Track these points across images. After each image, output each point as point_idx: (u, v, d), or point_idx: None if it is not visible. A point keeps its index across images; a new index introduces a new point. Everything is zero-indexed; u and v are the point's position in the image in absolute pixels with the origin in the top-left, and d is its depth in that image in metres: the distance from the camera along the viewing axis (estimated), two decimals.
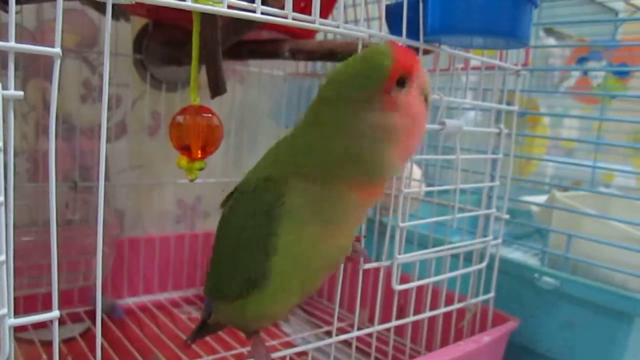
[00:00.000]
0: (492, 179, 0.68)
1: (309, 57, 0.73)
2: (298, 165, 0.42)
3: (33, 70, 0.77)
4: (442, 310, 0.65)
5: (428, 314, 0.63)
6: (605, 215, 0.76)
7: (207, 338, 0.73)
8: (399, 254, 0.55)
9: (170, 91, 0.90)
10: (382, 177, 0.43)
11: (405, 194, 0.55)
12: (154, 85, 0.89)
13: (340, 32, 0.46)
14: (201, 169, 0.52)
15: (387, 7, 0.52)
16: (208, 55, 0.53)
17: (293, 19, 0.42)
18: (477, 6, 0.48)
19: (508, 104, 0.67)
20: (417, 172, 0.83)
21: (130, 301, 0.86)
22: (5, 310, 0.30)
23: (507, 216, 0.68)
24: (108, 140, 0.86)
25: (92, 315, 0.77)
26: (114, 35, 0.81)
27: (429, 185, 0.87)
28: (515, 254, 0.93)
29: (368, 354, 0.64)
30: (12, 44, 0.29)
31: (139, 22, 0.83)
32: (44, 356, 0.65)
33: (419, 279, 0.61)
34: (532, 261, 0.85)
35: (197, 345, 0.70)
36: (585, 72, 1.27)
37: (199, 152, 0.51)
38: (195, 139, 0.50)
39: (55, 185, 0.31)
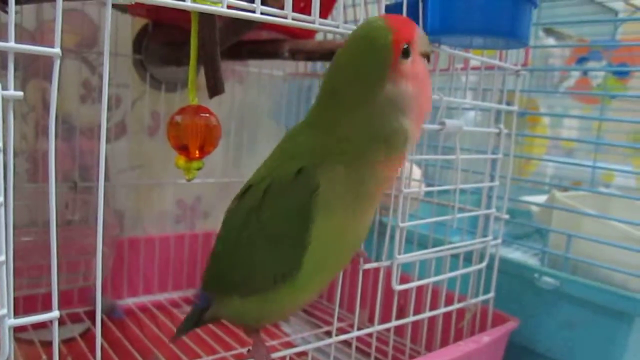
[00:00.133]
0: (492, 179, 0.68)
1: (309, 57, 0.73)
2: (327, 152, 0.43)
3: (33, 70, 0.77)
4: (442, 310, 0.65)
5: (428, 314, 0.63)
6: (605, 215, 0.76)
7: (207, 338, 0.73)
8: (399, 254, 0.55)
9: (170, 91, 0.90)
10: (403, 149, 0.43)
11: (405, 194, 0.55)
12: (154, 85, 0.89)
13: (339, 32, 0.46)
14: (199, 169, 0.52)
15: (387, 7, 0.52)
16: (206, 56, 0.53)
17: (293, 19, 0.42)
18: (476, 6, 0.48)
19: (508, 104, 0.67)
20: (417, 172, 0.83)
21: (130, 301, 0.86)
22: (5, 311, 0.30)
23: (507, 216, 0.68)
24: (108, 141, 0.86)
25: (91, 315, 0.77)
26: (114, 36, 0.81)
27: (428, 185, 0.87)
28: (515, 254, 0.93)
29: (368, 354, 0.64)
30: (11, 44, 0.29)
31: (138, 22, 0.83)
32: (44, 356, 0.65)
33: (419, 279, 0.61)
34: (532, 261, 0.85)
35: (197, 345, 0.71)
36: (585, 72, 1.27)
37: (197, 152, 0.51)
38: (193, 139, 0.50)
39: (55, 185, 0.31)
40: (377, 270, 0.56)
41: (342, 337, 0.55)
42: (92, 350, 0.64)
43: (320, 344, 0.55)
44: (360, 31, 0.42)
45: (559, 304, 0.70)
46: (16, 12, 0.29)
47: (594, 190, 0.89)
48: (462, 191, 0.63)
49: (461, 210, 0.64)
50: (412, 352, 0.71)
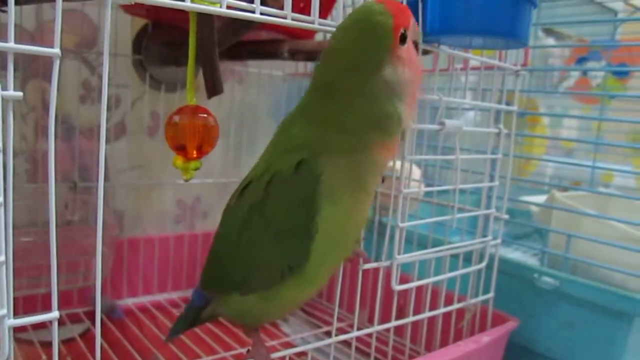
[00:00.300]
0: (492, 179, 0.68)
1: (308, 57, 0.73)
2: (324, 142, 0.43)
3: (32, 70, 0.77)
4: (442, 310, 0.65)
5: (427, 314, 0.63)
6: (605, 215, 0.76)
7: (207, 338, 0.73)
8: (399, 254, 0.55)
9: (170, 92, 0.90)
10: (397, 133, 0.44)
11: (405, 194, 0.55)
12: (153, 85, 0.89)
13: None
14: (197, 169, 0.52)
15: None
16: (204, 56, 0.53)
17: (292, 19, 0.42)
18: (476, 6, 0.48)
19: (507, 104, 0.67)
20: (416, 172, 0.83)
21: (129, 302, 0.86)
22: (4, 311, 0.30)
23: (506, 216, 0.68)
24: (107, 141, 0.86)
25: (91, 315, 0.77)
26: (113, 36, 0.81)
27: (428, 185, 0.88)
28: (515, 254, 0.93)
29: (368, 354, 0.64)
30: (11, 44, 0.29)
31: (138, 22, 0.83)
32: (44, 357, 0.64)
33: (419, 279, 0.61)
34: (532, 261, 0.85)
35: (197, 345, 0.71)
36: (584, 72, 1.27)
37: (195, 152, 0.51)
38: (191, 139, 0.50)
39: (55, 185, 0.31)
40: (376, 270, 0.56)
41: (342, 337, 0.55)
42: (92, 351, 0.64)
43: (320, 344, 0.55)
44: (359, 15, 0.42)
45: (558, 304, 0.70)
46: (15, 12, 0.29)
47: (593, 190, 0.89)
48: (462, 191, 0.63)
49: (461, 210, 0.64)
50: (412, 352, 0.71)
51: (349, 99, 0.42)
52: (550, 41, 1.18)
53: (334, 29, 0.45)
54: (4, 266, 0.30)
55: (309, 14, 0.44)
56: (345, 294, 0.87)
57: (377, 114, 0.42)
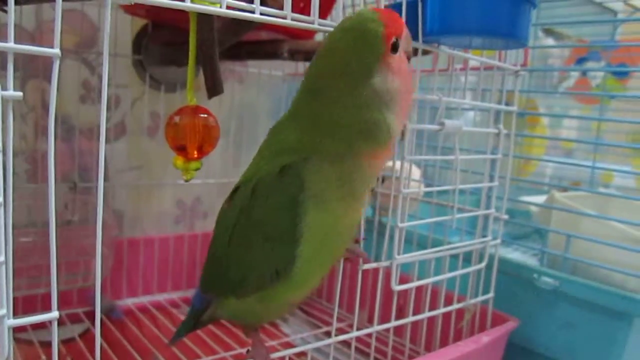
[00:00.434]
0: (491, 179, 0.68)
1: (308, 57, 0.73)
2: (312, 147, 0.43)
3: (32, 70, 0.77)
4: (442, 310, 0.65)
5: (427, 314, 0.63)
6: (604, 216, 0.76)
7: (207, 339, 0.73)
8: (398, 254, 0.55)
9: (169, 92, 0.90)
10: (389, 141, 0.43)
11: (405, 194, 0.55)
12: (153, 85, 0.89)
13: None
14: (197, 169, 0.52)
15: (386, 7, 0.52)
16: (204, 56, 0.53)
17: (292, 19, 0.42)
18: (475, 7, 0.48)
19: (507, 104, 0.67)
20: (416, 173, 0.83)
21: (129, 302, 0.86)
22: (4, 311, 0.30)
23: (506, 216, 0.68)
24: (107, 141, 0.86)
25: (91, 316, 0.77)
26: (113, 36, 0.81)
27: (428, 185, 0.88)
28: (515, 254, 0.93)
29: (367, 355, 0.64)
30: (11, 44, 0.29)
31: (138, 22, 0.83)
32: (43, 357, 0.64)
33: (418, 279, 0.61)
34: (531, 261, 0.85)
35: (197, 345, 0.71)
36: (584, 73, 1.27)
37: (195, 152, 0.51)
38: (192, 139, 0.50)
39: (54, 185, 0.31)
40: (376, 270, 0.56)
41: (342, 337, 0.55)
42: (92, 351, 0.64)
43: (320, 344, 0.55)
44: (351, 22, 0.42)
45: (558, 304, 0.70)
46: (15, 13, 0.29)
47: (593, 191, 0.89)
48: (462, 191, 0.63)
49: (460, 210, 0.64)
50: (412, 352, 0.71)
51: (338, 105, 0.41)
52: (550, 41, 1.18)
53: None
54: (4, 266, 0.30)
55: (308, 14, 0.44)
56: (345, 294, 0.87)
57: (365, 121, 0.41)
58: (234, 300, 0.49)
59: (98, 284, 0.36)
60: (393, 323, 0.59)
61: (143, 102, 0.89)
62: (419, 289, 0.61)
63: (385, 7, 0.52)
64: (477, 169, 0.74)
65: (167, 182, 0.93)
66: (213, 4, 0.38)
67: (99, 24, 0.83)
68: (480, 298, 0.68)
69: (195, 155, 0.51)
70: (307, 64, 1.03)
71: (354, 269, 0.55)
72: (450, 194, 0.61)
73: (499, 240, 0.68)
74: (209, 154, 0.52)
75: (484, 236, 0.67)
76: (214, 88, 0.55)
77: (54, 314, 0.33)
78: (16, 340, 0.67)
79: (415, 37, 0.51)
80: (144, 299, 0.87)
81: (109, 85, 0.32)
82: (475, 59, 0.62)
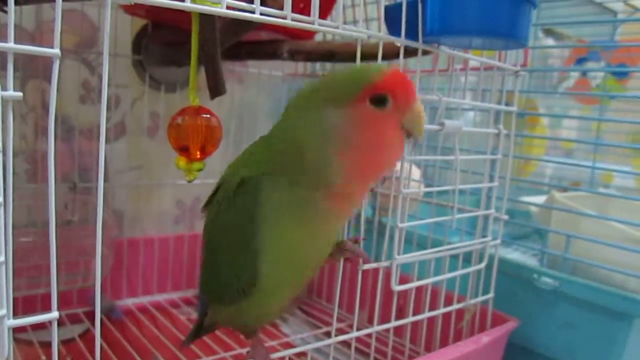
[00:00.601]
0: (491, 179, 0.68)
1: (308, 57, 0.73)
2: (274, 165, 0.42)
3: (32, 71, 0.77)
4: (442, 310, 0.65)
5: (427, 314, 0.63)
6: (604, 216, 0.76)
7: (206, 339, 0.72)
8: (398, 254, 0.55)
9: (169, 92, 0.90)
10: (336, 189, 0.41)
11: (404, 194, 0.55)
12: (153, 86, 0.89)
13: (339, 32, 0.46)
14: (200, 170, 0.52)
15: (386, 7, 0.52)
16: (207, 56, 0.53)
17: (292, 19, 0.42)
18: (475, 7, 0.48)
19: (507, 104, 0.67)
20: (416, 173, 0.83)
21: (129, 302, 0.86)
22: (4, 311, 0.30)
23: (506, 217, 0.68)
24: (107, 141, 0.86)
25: (91, 316, 0.77)
26: (113, 36, 0.81)
27: (428, 185, 0.88)
28: (515, 255, 0.93)
29: (367, 355, 0.64)
30: (11, 44, 0.29)
31: (138, 23, 0.83)
32: (43, 357, 0.64)
33: (418, 279, 0.61)
34: (531, 262, 0.85)
35: (197, 346, 0.70)
36: (584, 73, 1.27)
37: (198, 152, 0.51)
38: (194, 140, 0.50)
39: (54, 186, 0.31)
40: (376, 270, 0.56)
41: (342, 337, 0.55)
42: (92, 351, 0.64)
43: (320, 344, 0.55)
44: (363, 64, 0.42)
45: (558, 305, 0.70)
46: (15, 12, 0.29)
47: (593, 191, 0.89)
48: (462, 192, 0.63)
49: (460, 210, 0.64)
50: (412, 352, 0.71)
51: (297, 130, 0.40)
52: (550, 42, 1.18)
53: (333, 30, 0.45)
54: (4, 266, 0.30)
55: (308, 15, 0.44)
56: (344, 294, 0.87)
57: (311, 154, 0.40)
58: (222, 307, 0.50)
59: (98, 284, 0.36)
60: (393, 323, 0.59)
61: (143, 102, 0.89)
62: (419, 289, 0.61)
63: (386, 7, 0.52)
64: (477, 169, 0.74)
65: (167, 182, 0.93)
66: (213, 4, 0.38)
67: (98, 24, 0.83)
68: (480, 298, 0.68)
69: (198, 156, 0.51)
70: (307, 64, 1.04)
71: (354, 269, 0.55)
72: (450, 194, 0.61)
73: (498, 241, 0.68)
74: (211, 154, 0.52)
75: (484, 236, 0.67)
76: (216, 88, 0.55)
77: (54, 314, 0.33)
78: (16, 340, 0.67)
79: (415, 38, 0.51)
80: (144, 299, 0.87)
81: (108, 85, 0.32)
82: (475, 59, 0.62)
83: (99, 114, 0.33)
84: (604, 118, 0.91)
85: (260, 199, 0.41)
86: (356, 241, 0.53)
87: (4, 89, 0.29)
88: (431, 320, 0.66)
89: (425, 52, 0.53)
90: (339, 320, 0.84)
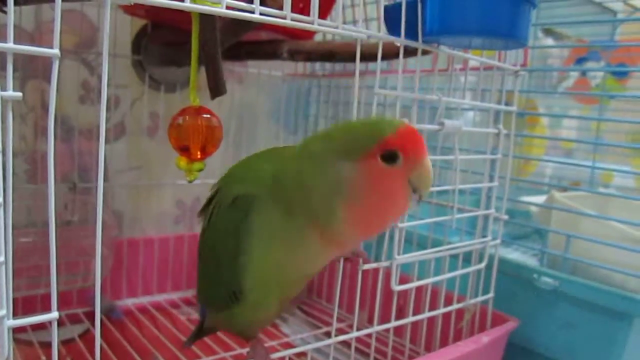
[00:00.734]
0: (491, 179, 0.68)
1: (308, 57, 0.73)
2: (270, 190, 0.43)
3: (31, 71, 0.77)
4: (442, 310, 0.65)
5: (427, 314, 0.63)
6: (604, 216, 0.76)
7: (207, 339, 0.72)
8: (398, 254, 0.55)
9: (169, 92, 0.90)
10: (338, 234, 0.41)
11: None
12: (153, 86, 0.89)
13: (339, 32, 0.46)
14: (200, 170, 0.52)
15: (386, 7, 0.52)
16: (207, 56, 0.53)
17: (292, 19, 0.42)
18: (475, 7, 0.48)
19: (507, 104, 0.67)
20: None
21: (129, 302, 0.86)
22: (4, 312, 0.30)
23: (506, 216, 0.68)
24: (107, 141, 0.86)
25: (91, 316, 0.77)
26: (113, 37, 0.81)
27: None
28: (514, 255, 0.93)
29: (367, 355, 0.64)
30: (10, 45, 0.29)
31: (137, 23, 0.83)
32: (43, 357, 0.64)
33: (418, 279, 0.61)
34: (531, 261, 0.85)
35: (197, 346, 0.70)
36: (583, 73, 1.27)
37: (199, 153, 0.51)
38: (195, 140, 0.50)
39: (54, 186, 0.31)
40: (376, 270, 0.56)
41: (342, 337, 0.55)
42: (92, 351, 0.64)
43: (320, 344, 0.55)
44: (378, 116, 0.42)
45: (558, 304, 0.70)
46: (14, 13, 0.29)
47: (593, 191, 0.89)
48: (461, 191, 0.63)
49: (460, 210, 0.64)
50: (412, 352, 0.71)
51: (306, 169, 0.41)
52: (550, 41, 1.18)
53: (333, 30, 0.45)
54: (4, 267, 0.30)
55: (308, 15, 0.44)
56: (344, 294, 0.87)
57: (317, 199, 0.40)
58: (216, 313, 0.51)
59: (98, 285, 0.36)
60: (393, 323, 0.59)
61: (142, 103, 0.89)
62: (418, 289, 0.61)
63: (385, 7, 0.52)
64: (477, 169, 0.74)
65: (167, 182, 0.93)
66: (213, 4, 0.38)
67: (98, 25, 0.83)
68: (480, 298, 0.68)
69: (199, 156, 0.51)
70: (307, 64, 1.03)
71: (354, 269, 0.55)
72: (450, 194, 0.61)
73: (498, 241, 0.68)
74: (212, 154, 0.52)
75: (484, 236, 0.67)
76: (216, 88, 0.55)
77: (54, 314, 0.33)
78: (16, 340, 0.67)
79: (414, 37, 0.51)
80: (144, 300, 0.87)
81: (108, 85, 0.32)
82: (475, 59, 0.62)
83: (98, 114, 0.33)
84: (603, 118, 0.91)
85: (250, 218, 0.42)
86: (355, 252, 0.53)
87: (4, 89, 0.29)
88: (431, 320, 0.66)
89: (424, 52, 0.53)
90: (339, 320, 0.84)
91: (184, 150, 0.51)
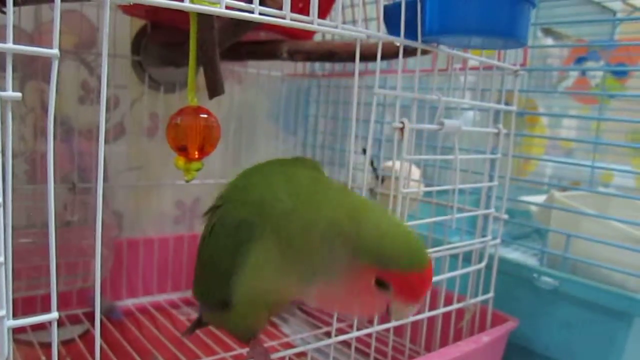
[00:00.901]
0: (491, 179, 0.68)
1: (307, 57, 0.73)
2: (277, 225, 0.42)
3: (31, 71, 0.77)
4: (441, 310, 0.65)
5: (427, 314, 0.63)
6: (604, 215, 0.76)
7: (206, 339, 0.73)
8: None
9: (169, 92, 0.90)
10: (306, 299, 0.45)
11: (404, 194, 0.55)
12: (152, 86, 0.89)
13: (338, 32, 0.46)
14: (198, 170, 0.52)
15: (385, 7, 0.52)
16: (205, 56, 0.53)
17: (291, 19, 0.42)
18: (475, 6, 0.48)
19: (506, 104, 0.67)
20: (415, 172, 0.83)
21: (129, 302, 0.86)
22: (4, 312, 0.30)
23: (506, 216, 0.68)
24: (106, 142, 0.86)
25: (90, 317, 0.77)
26: (112, 37, 0.81)
27: (427, 185, 0.88)
28: (514, 254, 0.93)
29: (367, 355, 0.64)
30: (10, 45, 0.29)
31: (137, 23, 0.83)
32: (43, 358, 0.64)
33: None
34: (531, 261, 0.85)
35: (197, 346, 0.71)
36: (583, 72, 1.27)
37: (197, 152, 0.51)
38: (193, 140, 0.50)
39: (54, 186, 0.31)
40: None
41: (342, 337, 0.55)
42: (91, 352, 0.64)
43: (320, 344, 0.55)
44: (416, 237, 0.41)
45: (558, 304, 0.70)
46: (14, 13, 0.29)
47: (593, 190, 0.89)
48: (461, 191, 0.63)
49: (460, 210, 0.64)
50: (412, 352, 0.71)
51: (314, 236, 0.41)
52: (549, 41, 1.18)
53: (332, 29, 0.45)
54: (4, 267, 0.30)
55: (307, 14, 0.44)
56: None
57: (304, 266, 0.42)
58: (210, 313, 0.52)
59: (98, 285, 0.36)
60: (393, 323, 0.59)
61: (142, 103, 0.89)
62: None
63: (385, 7, 0.52)
64: (477, 169, 0.74)
65: (167, 182, 0.93)
66: (212, 4, 0.38)
67: (97, 25, 0.83)
68: (480, 298, 0.68)
69: (197, 156, 0.51)
70: (307, 64, 1.03)
71: None
72: (449, 194, 0.61)
73: (498, 240, 0.68)
74: (210, 154, 0.52)
75: (484, 236, 0.67)
76: (215, 88, 0.55)
77: (54, 315, 0.33)
78: (16, 341, 0.67)
79: (414, 37, 0.51)
80: (144, 300, 0.87)
81: (108, 86, 0.32)
82: (474, 58, 0.62)
83: (98, 114, 0.33)
84: (603, 117, 0.91)
85: (249, 246, 0.43)
86: None
87: (3, 89, 0.29)
88: (431, 320, 0.66)
89: (424, 52, 0.53)
90: (339, 320, 0.84)
91: (182, 150, 0.51)
